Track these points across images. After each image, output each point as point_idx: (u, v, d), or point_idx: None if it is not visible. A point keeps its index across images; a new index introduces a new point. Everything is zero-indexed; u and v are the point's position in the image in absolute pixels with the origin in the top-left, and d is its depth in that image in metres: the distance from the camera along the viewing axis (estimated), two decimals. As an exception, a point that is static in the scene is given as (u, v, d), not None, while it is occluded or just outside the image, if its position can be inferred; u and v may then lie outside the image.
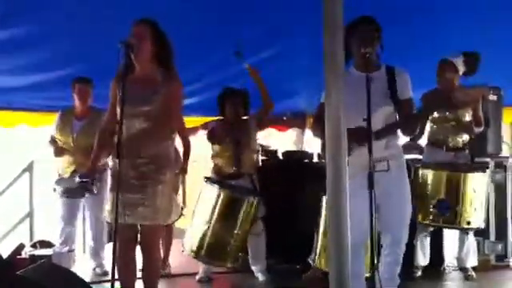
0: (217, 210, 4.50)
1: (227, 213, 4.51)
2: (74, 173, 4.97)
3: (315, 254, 4.68)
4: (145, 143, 3.32)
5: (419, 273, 4.91)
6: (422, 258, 4.91)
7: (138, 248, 3.50)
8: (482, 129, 4.89)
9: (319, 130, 3.58)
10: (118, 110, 3.20)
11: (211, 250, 4.52)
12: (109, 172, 5.04)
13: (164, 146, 3.41)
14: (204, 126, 5.20)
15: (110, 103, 3.49)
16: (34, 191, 6.10)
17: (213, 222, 4.50)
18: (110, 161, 3.46)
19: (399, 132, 3.50)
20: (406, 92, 3.43)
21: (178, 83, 3.42)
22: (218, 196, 4.53)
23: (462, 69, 4.77)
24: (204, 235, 4.52)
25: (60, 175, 5.07)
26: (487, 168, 4.77)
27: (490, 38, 5.15)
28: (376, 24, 3.42)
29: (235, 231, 4.52)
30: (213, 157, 5.07)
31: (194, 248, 4.55)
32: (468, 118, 4.85)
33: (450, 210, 4.42)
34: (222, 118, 5.08)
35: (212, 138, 5.02)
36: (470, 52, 4.73)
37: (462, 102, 4.73)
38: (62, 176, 5.04)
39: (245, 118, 5.08)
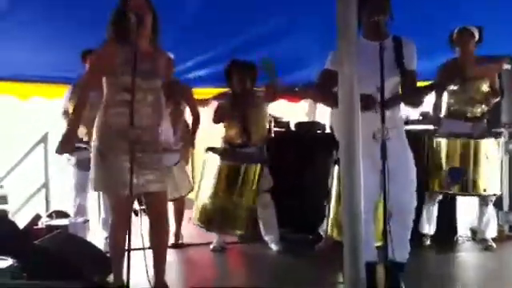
0: (217, 180, 4.60)
1: (228, 181, 4.61)
2: (87, 143, 5.01)
3: (327, 224, 4.71)
4: (152, 115, 3.33)
5: (427, 241, 4.93)
6: (427, 227, 4.93)
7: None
8: (498, 99, 4.86)
9: (322, 99, 3.58)
10: (120, 80, 3.19)
11: (217, 219, 4.63)
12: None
13: (167, 118, 3.45)
14: (216, 97, 5.22)
15: (93, 69, 3.43)
16: (48, 162, 6.14)
17: (215, 191, 4.61)
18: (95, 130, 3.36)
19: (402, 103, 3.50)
20: (411, 63, 3.42)
21: (167, 54, 3.49)
22: (221, 167, 4.61)
23: (476, 39, 4.74)
24: (208, 205, 4.62)
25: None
26: (500, 136, 4.73)
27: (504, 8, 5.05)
28: None
29: (239, 198, 4.61)
30: (224, 126, 5.10)
31: (201, 218, 4.66)
32: (486, 88, 4.82)
33: (462, 176, 4.40)
34: (229, 90, 5.10)
35: (218, 118, 5.03)
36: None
37: (481, 73, 4.69)
38: (76, 147, 5.07)
39: (253, 90, 5.08)
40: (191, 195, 5.11)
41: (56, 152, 3.34)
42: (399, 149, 3.42)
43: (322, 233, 4.89)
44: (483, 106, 4.86)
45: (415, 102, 3.56)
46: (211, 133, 5.31)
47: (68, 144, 3.30)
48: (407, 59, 3.39)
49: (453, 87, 4.82)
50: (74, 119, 3.35)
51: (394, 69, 3.34)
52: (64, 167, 6.25)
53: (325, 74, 3.45)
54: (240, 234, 4.86)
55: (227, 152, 4.89)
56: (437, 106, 5.00)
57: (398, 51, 3.37)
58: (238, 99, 5.01)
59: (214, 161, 4.71)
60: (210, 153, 4.81)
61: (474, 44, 4.74)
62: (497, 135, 4.71)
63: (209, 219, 4.68)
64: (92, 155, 3.35)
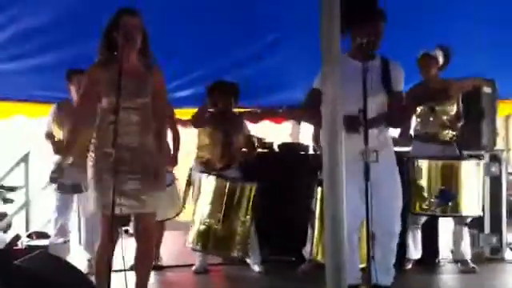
0: (220, 201, 4.56)
1: (230, 202, 4.57)
2: (70, 166, 4.97)
3: (311, 246, 4.70)
4: (141, 135, 3.31)
5: (410, 265, 4.94)
6: (414, 251, 4.94)
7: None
8: (461, 123, 4.94)
9: (309, 118, 3.60)
10: (106, 101, 3.19)
11: (219, 241, 4.56)
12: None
13: (155, 136, 3.41)
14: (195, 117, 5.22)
15: (83, 93, 3.37)
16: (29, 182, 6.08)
17: (217, 213, 4.56)
18: (90, 154, 3.33)
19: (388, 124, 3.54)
20: (398, 85, 3.48)
21: (160, 71, 3.43)
22: (219, 186, 4.58)
23: (441, 62, 4.83)
24: (210, 227, 4.56)
25: (56, 168, 5.06)
26: (479, 159, 4.79)
27: (485, 31, 5.16)
28: (385, 19, 3.43)
29: (241, 219, 4.59)
30: (200, 148, 5.08)
31: (201, 241, 4.59)
32: (453, 111, 4.90)
33: (452, 199, 4.43)
34: (211, 109, 5.09)
35: (197, 121, 5.00)
36: (445, 45, 4.80)
37: (449, 95, 4.78)
38: (59, 168, 5.03)
39: (235, 110, 5.10)
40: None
41: (51, 182, 3.32)
42: (387, 171, 3.44)
43: (305, 255, 4.88)
44: (451, 129, 4.92)
45: (400, 122, 3.60)
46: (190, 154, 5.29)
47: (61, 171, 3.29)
48: (394, 80, 3.44)
49: (422, 109, 4.88)
50: (67, 147, 3.37)
51: (380, 89, 3.39)
52: (44, 188, 6.22)
53: (313, 94, 3.45)
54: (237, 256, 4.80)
55: (220, 174, 4.83)
56: (406, 127, 5.02)
57: (385, 72, 3.41)
58: (219, 117, 5.01)
59: (210, 181, 4.66)
60: (205, 173, 4.77)
61: (436, 67, 4.82)
62: (475, 157, 4.75)
63: (207, 241, 4.60)
64: (88, 176, 3.34)
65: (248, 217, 4.63)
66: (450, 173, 4.50)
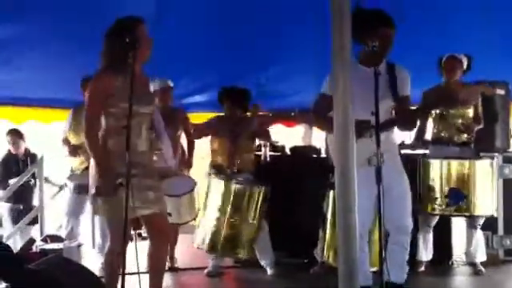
0: (228, 203, 4.58)
1: (237, 205, 4.59)
2: (86, 169, 5.01)
3: (322, 249, 4.70)
4: (150, 139, 3.40)
5: (422, 267, 4.92)
6: (425, 253, 4.92)
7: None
8: (481, 126, 4.92)
9: (320, 123, 3.61)
10: (119, 106, 3.19)
11: (226, 242, 4.60)
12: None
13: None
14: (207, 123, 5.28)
15: (95, 99, 3.27)
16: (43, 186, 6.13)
17: (225, 215, 4.58)
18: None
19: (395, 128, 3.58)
20: (405, 89, 3.51)
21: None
22: (228, 189, 4.61)
23: (464, 67, 4.83)
24: (217, 229, 4.60)
25: (73, 171, 5.13)
26: (492, 158, 4.75)
27: (497, 33, 5.14)
28: (394, 26, 3.44)
29: (249, 221, 4.62)
30: (212, 152, 5.12)
31: (208, 242, 4.63)
32: (471, 114, 4.88)
33: (463, 198, 4.41)
34: (221, 114, 5.16)
35: (206, 130, 5.10)
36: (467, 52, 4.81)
37: (467, 99, 4.76)
38: (75, 172, 5.10)
39: (246, 115, 5.13)
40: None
41: (97, 195, 3.29)
42: (394, 172, 3.47)
43: (316, 256, 4.88)
44: (466, 133, 4.90)
45: (408, 125, 3.64)
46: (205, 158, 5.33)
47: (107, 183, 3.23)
48: (401, 85, 3.46)
49: (438, 113, 4.87)
50: (96, 156, 3.26)
51: (387, 94, 3.41)
52: (57, 192, 6.29)
53: (321, 99, 3.49)
54: (245, 258, 4.83)
55: (230, 176, 4.87)
56: (420, 131, 5.04)
57: (392, 77, 3.44)
58: (229, 125, 5.04)
59: (219, 183, 4.70)
60: (213, 176, 4.82)
61: (460, 71, 4.82)
62: (491, 157, 4.73)
63: (215, 242, 4.64)
64: (91, 180, 3.35)
65: (255, 220, 4.65)
66: (462, 173, 4.48)
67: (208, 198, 4.74)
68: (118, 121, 3.23)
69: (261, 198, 4.67)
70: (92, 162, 3.34)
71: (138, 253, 3.33)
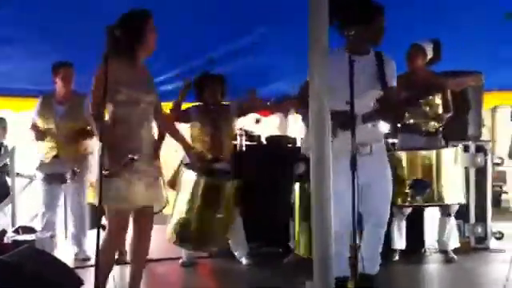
0: (198, 197, 4.52)
1: (208, 198, 4.52)
2: (55, 158, 4.97)
3: (294, 241, 4.72)
4: (151, 128, 3.46)
5: (396, 256, 4.98)
6: (399, 242, 4.98)
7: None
8: (450, 114, 4.95)
9: (301, 107, 3.58)
10: (124, 94, 3.22)
11: (196, 236, 4.54)
12: (90, 158, 5.07)
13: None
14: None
15: (99, 84, 3.19)
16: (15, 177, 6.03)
17: (195, 208, 4.52)
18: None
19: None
20: (392, 80, 3.48)
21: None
22: (198, 183, 4.54)
23: (430, 55, 4.84)
24: (187, 222, 4.53)
25: (42, 161, 5.06)
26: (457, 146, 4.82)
27: (472, 24, 5.18)
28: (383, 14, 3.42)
29: (218, 215, 4.54)
30: (192, 141, 5.07)
31: (179, 235, 4.57)
32: (438, 103, 4.92)
33: (426, 188, 4.45)
34: (200, 103, 5.09)
35: (183, 118, 5.01)
36: (436, 39, 4.81)
37: (432, 88, 4.79)
38: (44, 161, 5.03)
39: (224, 103, 5.09)
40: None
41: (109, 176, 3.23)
42: (379, 164, 3.48)
43: (291, 246, 4.89)
44: (436, 121, 4.95)
45: (394, 118, 3.61)
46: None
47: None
48: (388, 76, 3.43)
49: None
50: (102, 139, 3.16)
51: (375, 82, 3.39)
52: (30, 182, 6.19)
53: (304, 86, 3.44)
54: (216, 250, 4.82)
55: (205, 167, 4.82)
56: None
57: (380, 66, 3.40)
58: (208, 111, 5.00)
59: (190, 176, 4.62)
60: (185, 168, 4.74)
61: (423, 59, 4.82)
62: (453, 146, 4.79)
63: (185, 236, 4.58)
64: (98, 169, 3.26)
65: (226, 214, 4.58)
66: (427, 163, 4.51)
67: (179, 191, 4.68)
68: (122, 108, 3.27)
69: (232, 192, 4.62)
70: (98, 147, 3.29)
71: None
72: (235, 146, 5.41)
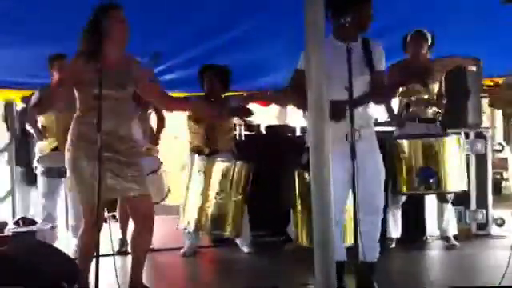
0: (210, 182, 4.55)
1: (221, 183, 4.55)
2: (54, 151, 4.96)
3: (296, 231, 4.71)
4: (124, 122, 3.41)
5: (393, 244, 4.98)
6: (395, 230, 4.98)
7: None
8: (444, 100, 4.94)
9: (297, 99, 3.58)
10: (92, 90, 3.21)
11: (212, 221, 4.54)
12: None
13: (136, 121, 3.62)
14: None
15: (62, 77, 3.44)
16: (14, 169, 6.03)
17: (209, 193, 4.55)
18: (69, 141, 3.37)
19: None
20: (380, 64, 3.49)
21: (138, 61, 3.54)
22: (209, 168, 4.57)
23: (429, 42, 4.87)
24: (203, 208, 4.54)
25: (41, 153, 5.05)
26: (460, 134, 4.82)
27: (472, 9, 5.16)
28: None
29: (234, 198, 4.57)
30: (190, 134, 5.07)
31: (195, 222, 4.58)
32: (436, 90, 4.92)
33: (434, 176, 4.44)
34: (202, 94, 5.08)
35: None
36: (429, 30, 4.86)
37: (435, 74, 4.80)
38: (43, 154, 5.02)
39: (225, 95, 5.07)
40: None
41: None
42: (369, 149, 3.46)
43: (290, 234, 4.89)
44: (434, 107, 4.94)
45: (383, 100, 3.62)
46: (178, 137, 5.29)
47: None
48: (376, 60, 3.44)
49: (402, 90, 4.89)
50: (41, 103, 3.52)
51: (364, 68, 3.40)
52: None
53: (297, 75, 3.44)
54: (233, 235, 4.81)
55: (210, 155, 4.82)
56: (390, 109, 5.06)
57: (367, 52, 3.42)
58: (208, 103, 4.97)
59: (200, 163, 4.65)
60: (195, 156, 4.77)
61: (426, 46, 4.85)
62: (456, 134, 4.78)
63: (202, 221, 4.57)
64: (67, 163, 3.37)
65: (240, 196, 4.61)
66: (431, 151, 4.51)
67: (191, 178, 4.68)
68: (89, 104, 3.27)
69: (243, 175, 4.64)
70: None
71: (112, 235, 3.32)
72: (233, 136, 5.38)
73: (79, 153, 3.30)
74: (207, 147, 4.93)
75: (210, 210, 4.54)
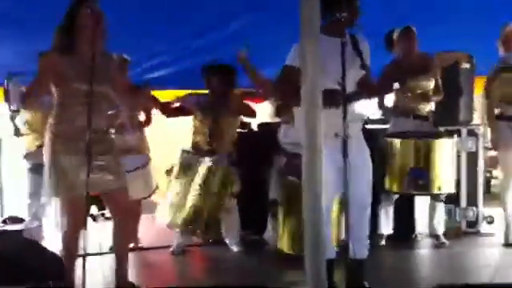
0: (193, 182, 4.53)
1: (203, 183, 4.52)
2: (40, 147, 4.89)
3: (275, 236, 4.72)
4: (103, 118, 3.41)
5: (383, 241, 4.98)
6: (386, 227, 4.98)
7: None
8: (441, 97, 4.93)
9: (287, 95, 3.55)
10: (70, 87, 3.26)
11: (188, 221, 4.51)
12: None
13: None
14: (180, 100, 5.13)
15: (39, 76, 3.41)
16: (2, 168, 5.96)
17: (190, 193, 4.53)
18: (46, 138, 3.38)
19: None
20: (368, 59, 3.49)
21: (118, 57, 3.60)
22: (195, 168, 4.57)
23: None
24: (183, 208, 4.52)
25: (27, 150, 4.99)
26: (453, 135, 4.82)
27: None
28: None
29: (214, 201, 4.54)
30: (193, 133, 5.01)
31: (173, 220, 4.56)
32: (431, 86, 4.90)
33: (424, 177, 4.43)
34: (206, 92, 5.00)
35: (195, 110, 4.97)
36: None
37: (429, 70, 4.79)
38: (30, 151, 4.96)
39: (230, 94, 5.01)
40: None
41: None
42: (357, 146, 3.44)
43: (268, 240, 4.91)
44: (428, 104, 4.93)
45: (375, 95, 3.61)
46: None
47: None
48: (365, 55, 3.44)
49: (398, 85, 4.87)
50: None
51: (355, 63, 3.37)
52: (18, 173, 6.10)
53: (285, 70, 3.41)
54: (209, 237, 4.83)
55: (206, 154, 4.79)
56: (381, 104, 5.07)
57: (356, 47, 3.40)
58: (210, 103, 4.92)
59: (188, 162, 4.66)
60: (185, 155, 4.74)
61: (416, 43, 4.83)
62: (450, 135, 4.77)
63: (180, 221, 4.56)
64: (45, 160, 3.36)
65: (222, 200, 4.59)
66: (422, 151, 4.49)
67: (178, 176, 4.67)
68: (68, 99, 3.29)
69: (229, 179, 4.62)
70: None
71: (100, 233, 3.29)
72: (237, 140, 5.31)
73: (58, 148, 3.29)
74: (207, 146, 4.88)
75: (187, 210, 4.50)
